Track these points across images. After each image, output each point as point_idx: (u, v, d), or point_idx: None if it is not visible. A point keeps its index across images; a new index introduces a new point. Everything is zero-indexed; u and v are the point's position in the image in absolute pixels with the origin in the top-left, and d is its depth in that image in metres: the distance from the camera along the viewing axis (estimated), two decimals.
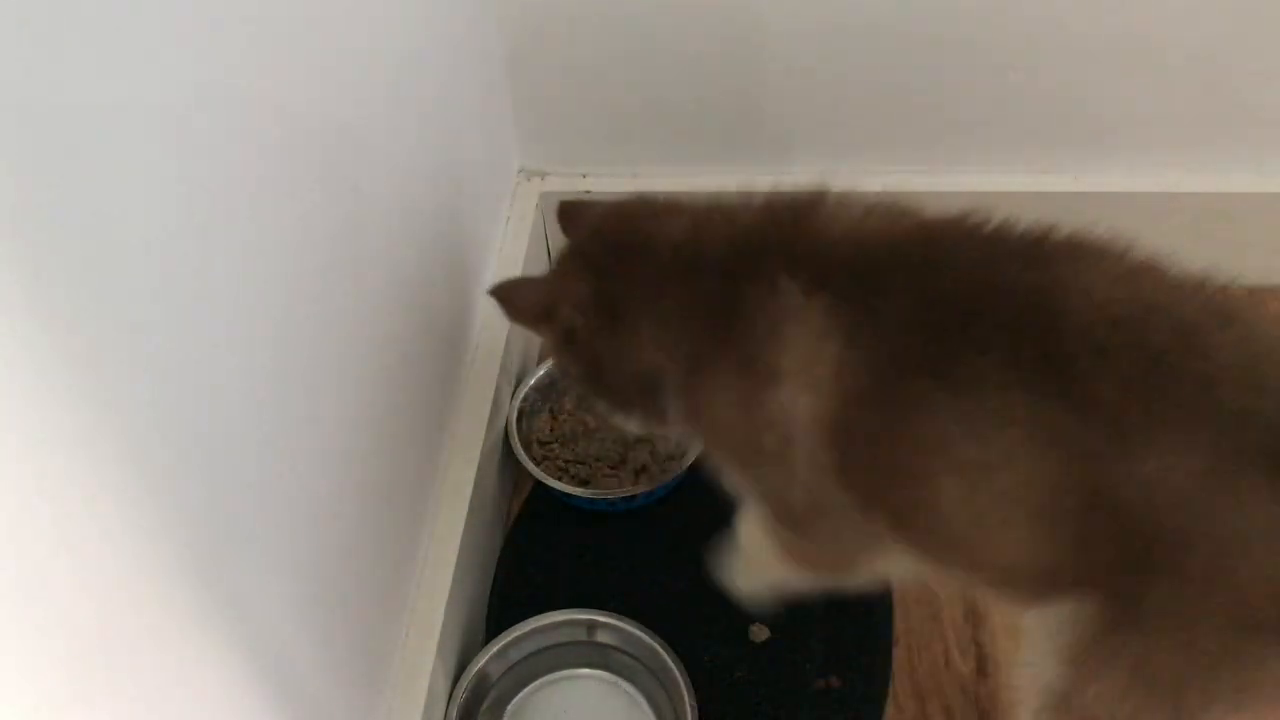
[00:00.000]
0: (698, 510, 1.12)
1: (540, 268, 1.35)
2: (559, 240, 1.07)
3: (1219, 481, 0.70)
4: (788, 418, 0.82)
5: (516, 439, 1.21)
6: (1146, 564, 0.74)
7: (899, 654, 1.10)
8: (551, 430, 1.27)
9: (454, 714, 1.00)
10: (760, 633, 1.11)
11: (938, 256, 0.79)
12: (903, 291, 0.78)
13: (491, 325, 1.23)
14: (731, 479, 0.94)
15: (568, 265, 0.97)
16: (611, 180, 1.33)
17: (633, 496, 1.18)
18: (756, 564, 1.04)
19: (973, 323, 0.75)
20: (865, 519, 0.85)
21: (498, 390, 1.19)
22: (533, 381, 1.26)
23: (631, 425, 1.01)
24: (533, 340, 1.33)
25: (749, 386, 0.83)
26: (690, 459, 1.19)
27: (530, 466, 1.19)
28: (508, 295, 0.99)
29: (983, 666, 1.09)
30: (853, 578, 0.97)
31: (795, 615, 1.11)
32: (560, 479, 1.20)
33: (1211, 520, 0.71)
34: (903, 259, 0.79)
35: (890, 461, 0.80)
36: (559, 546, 1.19)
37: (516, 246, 1.32)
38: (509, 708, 1.07)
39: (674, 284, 0.88)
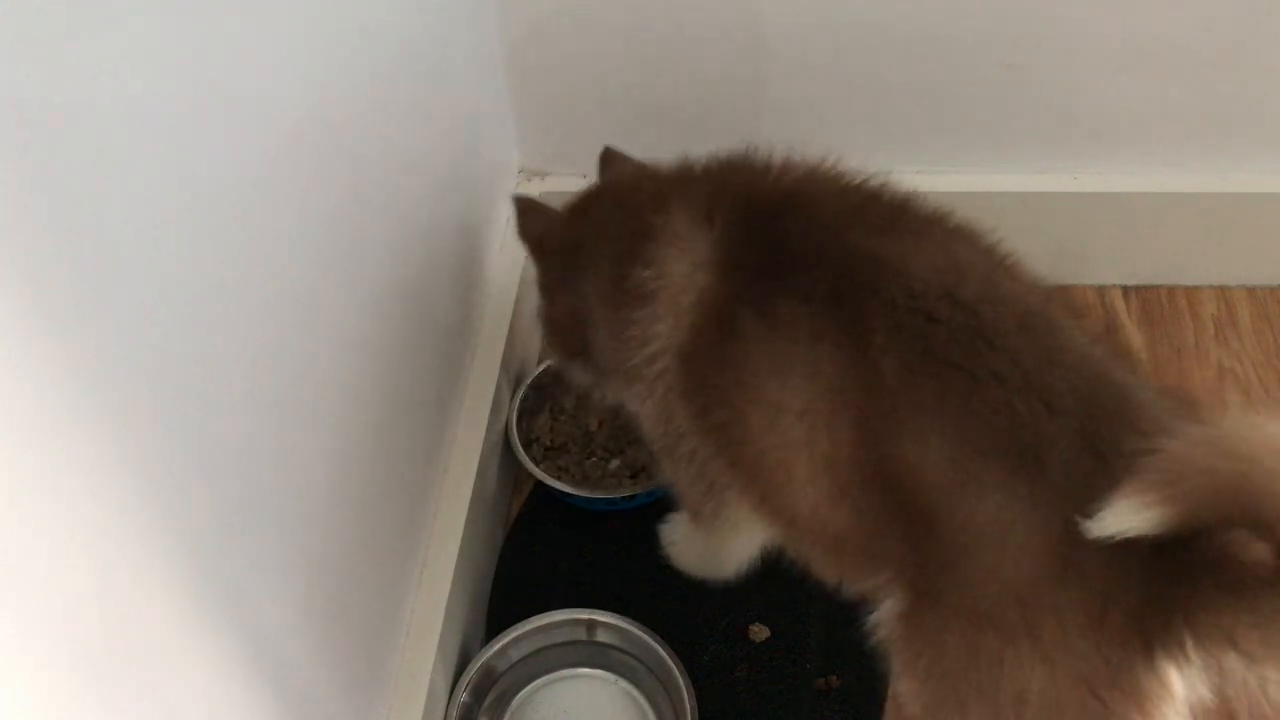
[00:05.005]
0: None
1: None
2: None
3: (964, 472, 0.71)
4: (655, 338, 0.86)
5: (516, 439, 1.21)
6: (924, 552, 0.74)
7: None
8: (551, 430, 1.27)
9: (454, 714, 1.00)
10: (760, 632, 1.11)
11: (805, 210, 0.83)
12: (763, 236, 0.82)
13: (492, 325, 1.23)
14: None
15: (568, 207, 1.04)
16: None
17: (633, 496, 1.18)
18: (686, 536, 1.09)
19: (805, 273, 0.78)
20: (715, 462, 0.87)
21: (498, 390, 1.19)
22: (532, 381, 1.26)
23: (577, 375, 1.07)
24: (533, 339, 1.33)
25: (629, 303, 0.87)
26: None
27: (530, 466, 1.19)
28: (525, 209, 1.05)
29: None
30: (736, 539, 0.99)
31: (795, 615, 1.11)
32: (560, 479, 1.20)
33: (955, 509, 0.71)
34: (779, 208, 0.84)
35: (719, 389, 0.83)
36: (559, 546, 1.19)
37: (517, 246, 1.32)
38: (509, 707, 1.07)
39: (605, 225, 0.95)
